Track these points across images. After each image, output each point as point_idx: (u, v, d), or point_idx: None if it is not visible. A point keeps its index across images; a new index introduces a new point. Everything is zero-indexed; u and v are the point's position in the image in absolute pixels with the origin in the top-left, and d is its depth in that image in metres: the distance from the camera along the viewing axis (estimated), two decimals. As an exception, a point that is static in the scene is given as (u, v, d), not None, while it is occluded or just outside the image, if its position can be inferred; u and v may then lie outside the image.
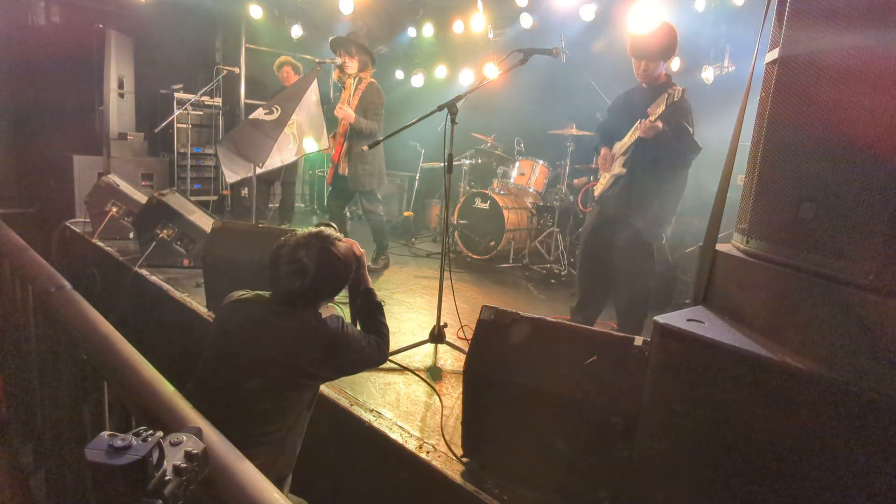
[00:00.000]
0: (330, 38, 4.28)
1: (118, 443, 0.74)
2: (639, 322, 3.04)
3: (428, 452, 1.94)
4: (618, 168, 3.02)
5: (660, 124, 2.75)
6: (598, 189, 3.23)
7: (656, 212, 2.94)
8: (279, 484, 1.64)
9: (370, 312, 1.97)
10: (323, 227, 1.78)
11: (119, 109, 6.04)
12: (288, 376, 1.61)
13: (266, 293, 1.73)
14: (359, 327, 1.95)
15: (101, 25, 5.82)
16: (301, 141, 4.76)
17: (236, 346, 1.62)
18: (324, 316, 1.71)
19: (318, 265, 1.64)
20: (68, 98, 5.95)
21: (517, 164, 5.53)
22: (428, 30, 6.71)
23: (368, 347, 1.81)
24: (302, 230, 1.74)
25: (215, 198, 6.79)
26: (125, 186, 4.65)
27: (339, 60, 4.19)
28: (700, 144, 2.86)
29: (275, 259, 1.66)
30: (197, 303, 3.26)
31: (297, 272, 1.63)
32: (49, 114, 5.97)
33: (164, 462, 0.79)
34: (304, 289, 1.64)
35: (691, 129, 2.84)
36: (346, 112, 4.10)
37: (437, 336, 2.81)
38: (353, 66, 4.16)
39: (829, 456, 1.13)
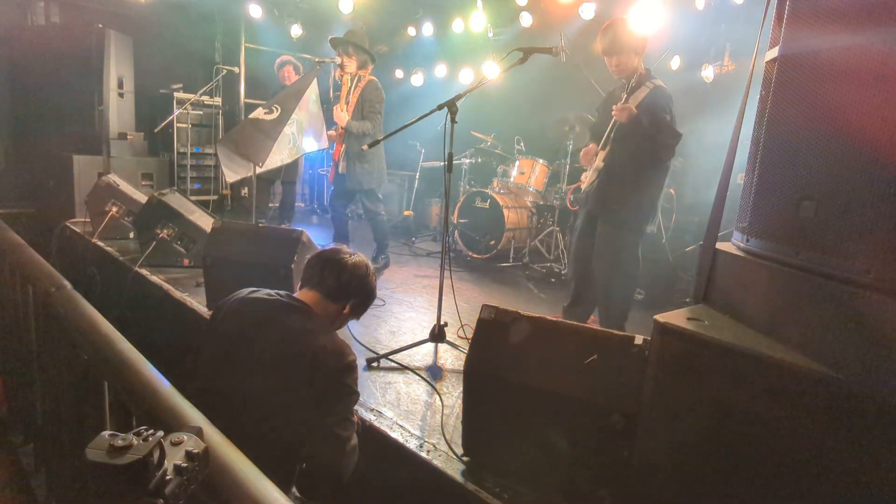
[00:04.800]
0: (329, 38, 4.30)
1: (119, 442, 0.74)
2: (617, 322, 2.97)
3: (428, 451, 1.94)
4: (598, 162, 3.02)
5: (633, 107, 2.73)
6: (583, 186, 3.23)
7: (634, 205, 2.88)
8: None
9: None
10: None
11: (119, 109, 6.04)
12: (293, 374, 1.55)
13: (276, 291, 1.71)
14: None
15: (101, 25, 5.81)
16: (301, 140, 4.77)
17: (242, 343, 1.59)
18: None
19: (355, 268, 1.78)
20: (68, 98, 5.94)
21: (517, 163, 5.53)
22: (427, 29, 6.71)
23: (351, 425, 1.65)
24: None
25: (215, 197, 6.78)
26: (125, 186, 4.65)
27: (338, 60, 4.21)
28: (678, 131, 2.80)
29: (322, 259, 1.77)
30: (197, 303, 3.26)
31: (338, 269, 1.74)
32: (49, 114, 5.96)
33: (165, 462, 0.79)
34: (338, 283, 1.72)
35: (668, 117, 2.79)
36: (339, 116, 4.15)
37: (437, 335, 2.81)
38: (351, 65, 4.19)
39: (829, 454, 1.13)
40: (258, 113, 4.51)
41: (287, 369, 1.55)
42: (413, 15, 6.83)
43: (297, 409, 1.55)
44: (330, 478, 1.68)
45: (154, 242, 3.92)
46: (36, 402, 2.24)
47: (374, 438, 2.05)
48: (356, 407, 1.90)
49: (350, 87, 4.23)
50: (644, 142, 2.79)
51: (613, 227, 2.95)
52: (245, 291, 1.72)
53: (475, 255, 5.26)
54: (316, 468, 1.66)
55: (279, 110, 4.46)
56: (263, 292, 1.70)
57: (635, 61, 2.91)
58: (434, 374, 2.60)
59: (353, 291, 1.78)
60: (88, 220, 4.57)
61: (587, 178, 3.15)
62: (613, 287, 3.00)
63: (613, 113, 2.80)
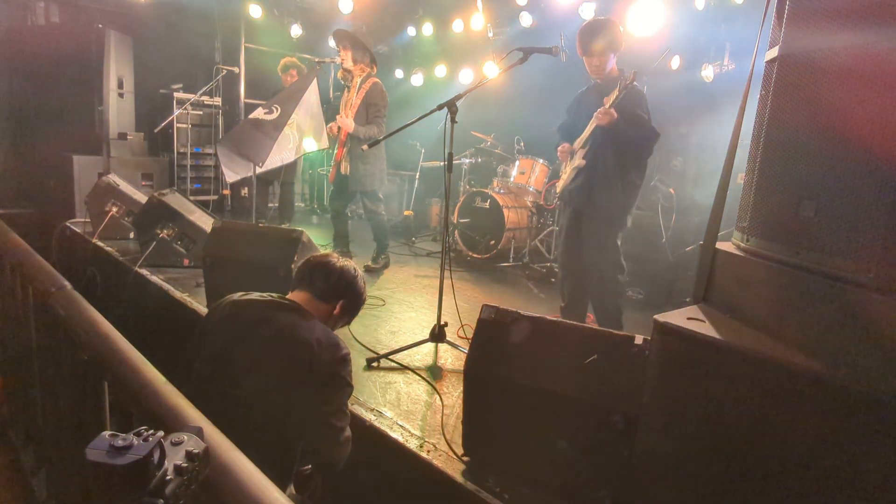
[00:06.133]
0: (334, 30, 4.31)
1: (119, 442, 0.74)
2: (615, 317, 3.06)
3: (429, 451, 1.94)
4: (578, 160, 3.10)
5: (614, 112, 2.80)
6: (560, 184, 3.29)
7: (620, 201, 2.97)
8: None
9: None
10: None
11: (119, 109, 6.04)
12: (290, 369, 1.57)
13: (268, 293, 1.73)
14: None
15: (100, 25, 5.81)
16: (301, 140, 4.77)
17: (239, 343, 1.60)
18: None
19: (343, 271, 1.84)
20: (68, 98, 5.94)
21: (517, 162, 5.52)
22: (427, 29, 6.71)
23: (345, 416, 1.69)
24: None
25: (215, 198, 6.78)
26: (125, 186, 4.65)
27: (339, 60, 4.22)
28: (658, 130, 2.90)
29: (311, 263, 1.83)
30: (197, 303, 3.26)
31: (326, 270, 1.80)
32: (49, 114, 5.96)
33: (165, 462, 0.79)
34: (327, 284, 1.77)
35: (646, 116, 2.90)
36: (345, 123, 4.14)
37: (437, 335, 2.81)
38: (347, 58, 4.20)
39: (828, 454, 1.13)
40: (258, 113, 4.51)
41: (284, 365, 1.57)
42: (413, 15, 6.82)
43: (296, 405, 1.57)
44: (324, 468, 1.73)
45: (154, 242, 3.92)
46: (36, 402, 2.24)
47: (374, 438, 2.06)
48: (354, 405, 1.92)
49: (355, 91, 4.23)
50: (623, 139, 2.88)
51: (599, 222, 3.02)
52: (237, 295, 1.74)
53: (475, 255, 5.26)
54: (311, 459, 1.69)
55: (279, 110, 4.47)
56: (255, 294, 1.73)
57: (612, 63, 3.01)
58: (434, 374, 2.60)
59: (342, 292, 1.82)
60: (88, 220, 4.58)
61: (564, 177, 3.21)
62: (605, 278, 3.07)
63: (596, 120, 2.87)
